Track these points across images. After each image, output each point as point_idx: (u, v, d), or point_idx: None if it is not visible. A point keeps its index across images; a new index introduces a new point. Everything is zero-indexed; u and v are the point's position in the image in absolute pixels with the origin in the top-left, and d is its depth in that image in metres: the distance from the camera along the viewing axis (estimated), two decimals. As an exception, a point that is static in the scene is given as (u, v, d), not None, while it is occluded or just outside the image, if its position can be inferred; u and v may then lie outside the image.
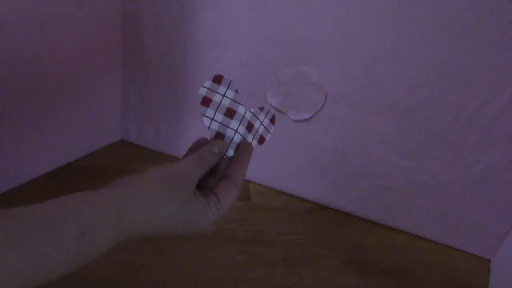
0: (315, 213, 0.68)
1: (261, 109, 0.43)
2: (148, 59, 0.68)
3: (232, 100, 0.41)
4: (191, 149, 0.40)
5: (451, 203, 0.60)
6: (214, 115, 0.41)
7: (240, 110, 0.41)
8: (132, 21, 0.66)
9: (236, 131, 0.41)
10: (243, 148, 0.41)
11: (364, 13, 0.52)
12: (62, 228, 0.30)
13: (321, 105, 0.60)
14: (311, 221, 0.66)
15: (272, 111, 0.44)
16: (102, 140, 0.75)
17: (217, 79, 0.41)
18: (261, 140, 0.44)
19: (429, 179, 0.60)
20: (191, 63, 0.65)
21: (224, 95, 0.41)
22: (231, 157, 0.40)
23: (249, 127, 0.42)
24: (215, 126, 0.41)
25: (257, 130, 0.43)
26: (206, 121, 0.41)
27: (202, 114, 0.40)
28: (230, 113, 0.41)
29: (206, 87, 0.40)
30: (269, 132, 0.44)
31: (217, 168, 0.40)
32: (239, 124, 0.41)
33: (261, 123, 0.43)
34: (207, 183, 0.38)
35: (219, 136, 0.41)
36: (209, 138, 0.41)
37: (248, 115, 0.42)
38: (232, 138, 0.41)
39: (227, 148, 0.40)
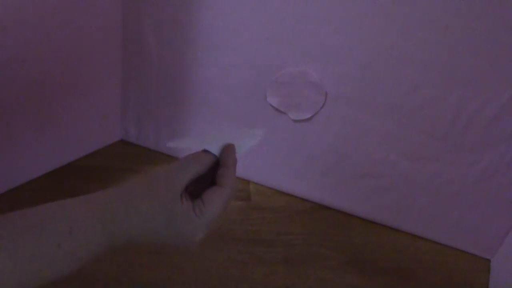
0: (315, 213, 0.68)
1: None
2: (148, 59, 0.68)
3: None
4: None
5: (451, 203, 0.60)
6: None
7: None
8: (132, 21, 0.66)
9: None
10: (226, 150, 0.40)
11: (364, 13, 0.52)
12: (51, 225, 0.31)
13: (321, 105, 0.60)
14: (311, 221, 0.66)
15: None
16: (102, 140, 0.75)
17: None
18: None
19: (429, 179, 0.60)
20: (191, 63, 0.65)
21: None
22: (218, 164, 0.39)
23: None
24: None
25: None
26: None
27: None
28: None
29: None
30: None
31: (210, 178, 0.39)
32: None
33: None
34: (201, 192, 0.37)
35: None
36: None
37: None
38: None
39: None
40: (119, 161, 0.73)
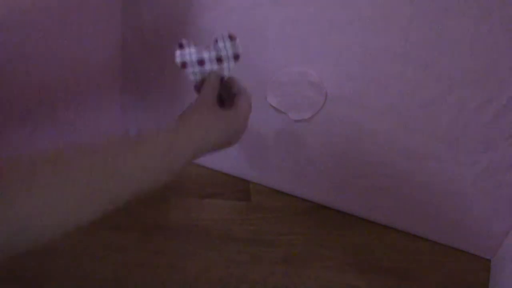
0: (315, 213, 0.68)
1: (216, 41, 0.52)
2: (148, 60, 0.68)
3: (196, 53, 0.53)
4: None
5: (451, 203, 0.60)
6: (193, 70, 0.53)
7: (205, 55, 0.52)
8: (133, 22, 0.66)
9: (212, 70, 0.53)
10: (227, 80, 0.53)
11: (365, 13, 0.52)
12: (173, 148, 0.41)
13: (321, 105, 0.60)
14: (311, 221, 0.66)
15: (224, 33, 0.51)
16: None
17: (180, 45, 0.52)
18: (236, 57, 0.52)
19: (429, 179, 0.60)
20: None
21: (190, 53, 0.53)
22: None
23: (219, 60, 0.52)
24: (198, 77, 0.53)
25: (227, 55, 0.52)
26: (191, 77, 0.53)
27: (187, 75, 0.53)
28: (201, 62, 0.53)
29: (177, 56, 0.53)
30: (237, 48, 0.52)
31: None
32: (211, 64, 0.53)
33: (225, 48, 0.52)
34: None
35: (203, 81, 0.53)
36: (196, 87, 0.54)
37: (213, 54, 0.52)
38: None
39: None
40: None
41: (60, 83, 0.63)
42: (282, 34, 0.58)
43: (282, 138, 0.66)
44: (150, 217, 0.63)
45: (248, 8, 0.57)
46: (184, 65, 0.53)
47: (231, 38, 0.51)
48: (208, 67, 0.53)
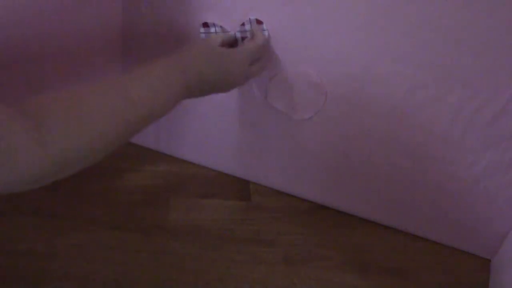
0: (315, 213, 0.68)
1: (243, 24, 0.56)
2: (149, 58, 0.68)
3: (222, 31, 0.57)
4: None
5: (451, 203, 0.60)
6: None
7: (231, 34, 0.57)
8: (132, 20, 0.66)
9: None
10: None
11: (365, 13, 0.52)
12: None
13: (321, 105, 0.60)
14: (311, 221, 0.66)
15: (252, 17, 0.55)
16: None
17: (205, 25, 0.58)
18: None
19: (429, 179, 0.60)
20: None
21: (216, 32, 0.57)
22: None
23: (244, 40, 0.56)
24: None
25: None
26: None
27: None
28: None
29: (202, 32, 0.58)
30: (264, 32, 0.56)
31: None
32: (237, 44, 0.57)
33: (251, 30, 0.56)
34: None
35: None
36: None
37: (239, 34, 0.57)
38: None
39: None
40: (119, 161, 0.73)
41: (60, 83, 0.63)
42: (282, 34, 0.57)
43: (282, 138, 0.66)
44: (150, 217, 0.63)
45: (248, 8, 0.57)
46: None
47: (258, 22, 0.55)
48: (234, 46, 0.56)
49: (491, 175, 0.56)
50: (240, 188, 0.71)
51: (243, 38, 0.57)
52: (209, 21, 0.58)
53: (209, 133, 0.70)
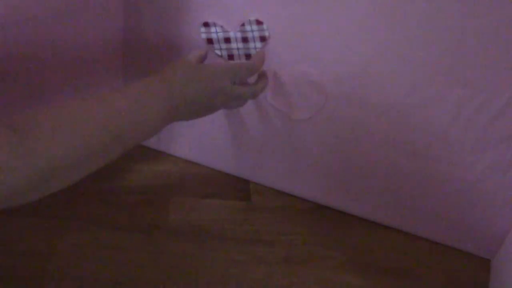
0: (315, 213, 0.68)
1: (243, 24, 0.56)
2: (149, 58, 0.68)
3: (222, 31, 0.58)
4: None
5: (451, 203, 0.60)
6: (219, 47, 0.59)
7: (231, 34, 0.58)
8: (134, 20, 0.66)
9: (238, 49, 0.59)
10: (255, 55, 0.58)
11: (365, 12, 0.52)
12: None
13: (321, 105, 0.60)
14: (311, 221, 0.66)
15: (252, 18, 0.56)
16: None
17: (206, 24, 0.58)
18: (262, 39, 0.57)
19: (429, 179, 0.60)
20: (191, 63, 0.65)
21: (216, 32, 0.58)
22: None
23: (245, 40, 0.57)
24: (224, 53, 0.60)
25: (253, 36, 0.57)
26: (218, 52, 0.60)
27: (213, 50, 0.60)
28: (227, 40, 0.58)
29: (203, 32, 0.59)
30: (264, 31, 0.56)
31: None
32: (237, 43, 0.58)
33: (252, 30, 0.56)
34: None
35: (231, 58, 0.60)
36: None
37: (239, 34, 0.57)
38: (239, 53, 0.59)
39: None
40: (119, 161, 0.72)
41: (60, 83, 0.63)
42: (282, 33, 0.58)
43: (282, 138, 0.66)
44: (150, 217, 0.63)
45: (248, 8, 0.57)
46: (210, 41, 0.59)
47: (258, 23, 0.55)
48: (234, 45, 0.57)
49: (491, 175, 0.56)
50: (240, 188, 0.71)
51: (243, 38, 0.57)
52: (209, 21, 0.59)
53: (209, 133, 0.70)
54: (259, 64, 0.57)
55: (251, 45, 0.58)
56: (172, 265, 0.56)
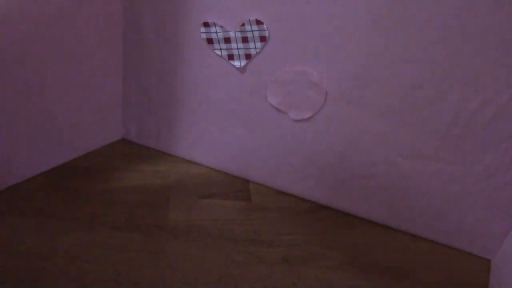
0: (315, 213, 0.68)
1: (243, 24, 0.57)
2: (149, 58, 0.68)
3: (222, 31, 0.58)
4: None
5: (451, 203, 0.60)
6: (219, 47, 0.59)
7: (231, 34, 0.58)
8: (133, 20, 0.66)
9: (238, 49, 0.59)
10: None
11: (365, 12, 0.52)
12: None
13: (321, 105, 0.60)
14: (311, 221, 0.66)
15: (251, 18, 0.56)
16: (103, 139, 0.75)
17: (206, 24, 0.59)
18: (262, 39, 0.57)
19: (429, 179, 0.60)
20: (192, 62, 0.65)
21: (216, 32, 0.58)
22: None
23: (245, 40, 0.58)
24: (224, 53, 0.60)
25: (253, 36, 0.57)
26: (218, 52, 0.60)
27: (213, 50, 0.60)
28: (227, 40, 0.58)
29: (203, 32, 0.59)
30: (264, 31, 0.56)
31: None
32: (237, 43, 0.58)
33: (252, 30, 0.56)
34: None
35: (231, 58, 0.60)
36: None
37: (239, 34, 0.57)
38: (239, 53, 0.59)
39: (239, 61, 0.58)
40: (120, 160, 0.73)
41: (59, 83, 0.63)
42: (282, 33, 0.58)
43: (282, 138, 0.66)
44: (150, 217, 0.63)
45: (248, 7, 0.57)
46: (210, 41, 0.59)
47: (258, 23, 0.56)
48: (234, 45, 0.58)
49: (491, 175, 0.56)
50: (240, 188, 0.71)
51: (243, 38, 0.57)
52: (209, 21, 0.59)
53: (209, 133, 0.70)
54: None
55: (251, 45, 0.58)
56: (172, 265, 0.56)
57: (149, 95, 0.71)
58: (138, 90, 0.72)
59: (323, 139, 0.63)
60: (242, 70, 0.62)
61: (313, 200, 0.69)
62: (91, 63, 0.66)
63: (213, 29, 0.59)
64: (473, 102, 0.53)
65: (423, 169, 0.59)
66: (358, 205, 0.67)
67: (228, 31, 0.59)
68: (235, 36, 0.58)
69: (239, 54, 0.60)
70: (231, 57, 0.61)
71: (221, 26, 0.59)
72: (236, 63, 0.61)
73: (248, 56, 0.60)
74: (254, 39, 0.58)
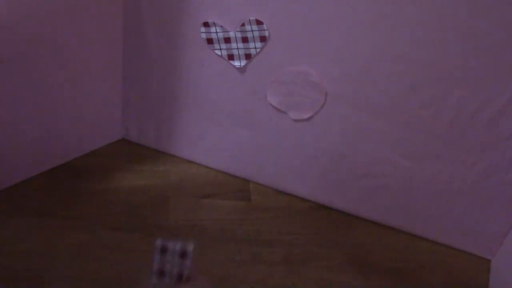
0: (315, 213, 0.68)
1: (243, 24, 0.56)
2: (149, 58, 0.68)
3: (222, 31, 0.58)
4: None
5: (451, 203, 0.60)
6: (219, 47, 0.59)
7: (232, 34, 0.58)
8: (133, 20, 0.66)
9: (238, 49, 0.59)
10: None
11: (365, 13, 0.52)
12: None
13: (321, 105, 0.60)
14: (311, 221, 0.66)
15: (252, 18, 0.56)
16: (103, 139, 0.75)
17: (206, 24, 0.59)
18: (262, 39, 0.57)
19: (429, 179, 0.60)
20: (192, 62, 0.65)
21: (216, 32, 0.58)
22: None
23: (245, 40, 0.58)
24: (224, 53, 0.59)
25: (253, 36, 0.57)
26: (218, 52, 0.60)
27: (213, 49, 0.60)
28: (227, 40, 0.58)
29: (203, 32, 0.59)
30: (264, 31, 0.56)
31: None
32: (237, 43, 0.58)
33: (252, 30, 0.57)
34: None
35: (231, 57, 0.60)
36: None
37: (239, 34, 0.57)
38: (239, 53, 0.59)
39: None
40: (120, 160, 0.73)
41: (59, 82, 0.63)
42: (282, 33, 0.58)
43: (282, 138, 0.66)
44: (150, 217, 0.63)
45: (249, 7, 0.57)
46: (210, 41, 0.59)
47: (258, 22, 0.56)
48: (234, 45, 0.58)
49: (491, 175, 0.56)
50: (240, 188, 0.71)
51: (243, 38, 0.57)
52: (209, 21, 0.59)
53: (209, 133, 0.70)
54: None
55: (251, 45, 0.58)
56: (172, 265, 0.56)
57: (149, 95, 0.71)
58: (138, 90, 0.72)
59: (323, 139, 0.63)
60: (242, 70, 0.62)
61: (313, 200, 0.69)
62: (91, 63, 0.66)
63: (213, 29, 0.59)
64: (473, 102, 0.53)
65: (423, 169, 0.59)
66: (358, 205, 0.67)
67: (228, 31, 0.58)
68: (235, 36, 0.58)
69: (239, 54, 0.60)
70: (231, 57, 0.61)
71: (221, 26, 0.58)
72: (236, 63, 0.61)
73: (248, 56, 0.60)
74: (254, 39, 0.58)
